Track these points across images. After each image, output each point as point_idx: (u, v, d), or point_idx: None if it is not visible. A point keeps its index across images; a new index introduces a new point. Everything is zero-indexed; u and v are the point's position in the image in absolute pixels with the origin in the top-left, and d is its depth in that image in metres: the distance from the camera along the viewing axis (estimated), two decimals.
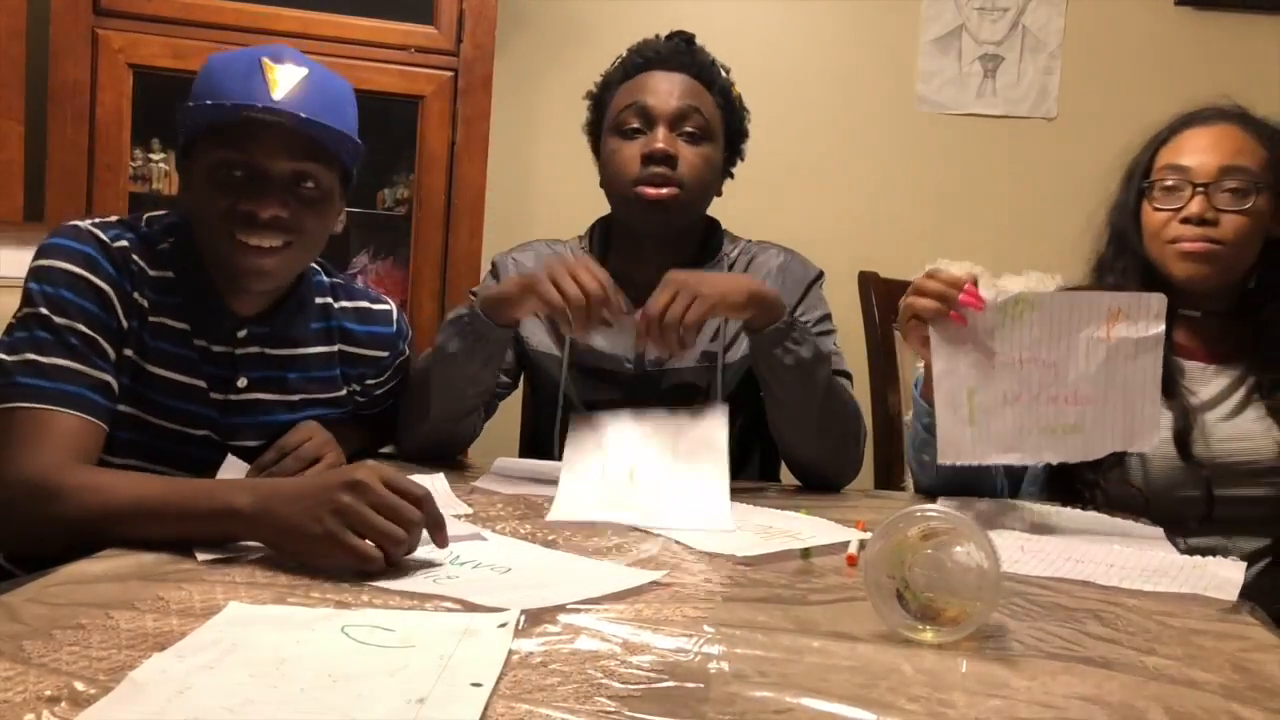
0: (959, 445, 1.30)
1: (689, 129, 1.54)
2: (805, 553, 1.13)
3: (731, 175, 1.66)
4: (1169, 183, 1.48)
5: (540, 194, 2.73)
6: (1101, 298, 1.31)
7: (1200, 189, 1.45)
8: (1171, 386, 1.48)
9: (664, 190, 1.52)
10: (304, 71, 1.25)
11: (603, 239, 1.65)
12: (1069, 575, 1.06)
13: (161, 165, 2.30)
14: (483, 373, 1.44)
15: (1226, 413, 1.49)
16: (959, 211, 2.74)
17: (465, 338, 1.41)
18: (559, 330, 1.42)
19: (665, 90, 1.55)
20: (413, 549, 0.98)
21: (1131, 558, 1.16)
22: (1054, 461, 1.34)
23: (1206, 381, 1.51)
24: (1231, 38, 2.66)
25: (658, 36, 1.63)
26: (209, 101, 1.22)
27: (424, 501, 0.98)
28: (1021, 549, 1.16)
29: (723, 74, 1.62)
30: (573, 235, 1.69)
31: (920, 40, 2.73)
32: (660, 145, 1.52)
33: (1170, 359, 1.50)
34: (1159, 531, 1.32)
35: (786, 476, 1.65)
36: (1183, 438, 1.45)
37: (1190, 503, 1.44)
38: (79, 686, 0.67)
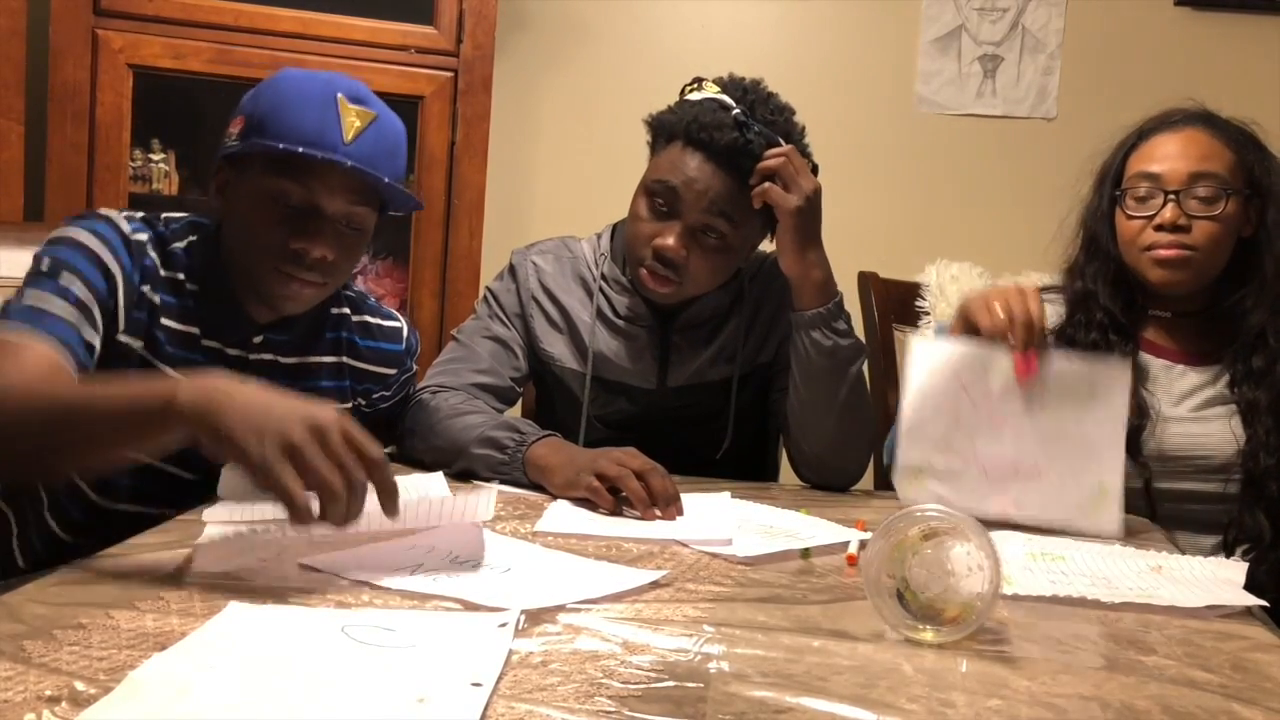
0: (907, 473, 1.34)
1: (711, 238, 1.47)
2: (805, 552, 1.13)
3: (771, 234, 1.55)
4: (1141, 191, 1.51)
5: (540, 194, 2.73)
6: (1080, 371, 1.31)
7: (1172, 196, 1.47)
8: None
9: (663, 289, 1.49)
10: (373, 115, 1.28)
11: (622, 244, 1.60)
12: (1072, 594, 1.03)
13: (161, 165, 2.30)
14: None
15: (1189, 410, 1.50)
16: (959, 211, 2.74)
17: (493, 469, 1.38)
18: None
19: (699, 188, 1.44)
20: (354, 516, 0.90)
21: (1132, 563, 1.15)
22: (996, 516, 1.29)
23: (1174, 380, 1.52)
24: (1231, 38, 2.66)
25: (728, 106, 1.45)
26: (283, 125, 1.23)
27: (378, 466, 0.91)
28: (1028, 570, 1.12)
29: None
30: (574, 233, 1.68)
31: (920, 40, 2.73)
32: (671, 246, 1.45)
33: (1138, 357, 1.51)
34: (1159, 534, 1.32)
35: (786, 476, 1.65)
36: (1132, 435, 1.46)
37: (1133, 497, 1.45)
38: (79, 686, 0.67)
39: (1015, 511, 1.29)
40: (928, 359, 1.33)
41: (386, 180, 1.26)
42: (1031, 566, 1.11)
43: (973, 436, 1.31)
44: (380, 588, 0.91)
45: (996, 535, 1.11)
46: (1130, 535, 1.28)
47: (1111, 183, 1.57)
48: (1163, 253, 1.48)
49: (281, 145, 1.22)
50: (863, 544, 1.09)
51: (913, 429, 1.33)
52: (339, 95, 1.26)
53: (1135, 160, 1.54)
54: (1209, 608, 0.98)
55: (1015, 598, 0.99)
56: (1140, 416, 1.46)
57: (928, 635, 0.85)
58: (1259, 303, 1.49)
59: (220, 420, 0.88)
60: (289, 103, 1.25)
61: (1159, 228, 1.48)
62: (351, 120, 1.26)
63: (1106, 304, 1.54)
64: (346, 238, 1.27)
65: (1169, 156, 1.50)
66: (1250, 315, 1.49)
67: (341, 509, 0.88)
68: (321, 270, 1.25)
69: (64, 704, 0.64)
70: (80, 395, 1.01)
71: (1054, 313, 1.59)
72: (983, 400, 1.31)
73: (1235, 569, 1.12)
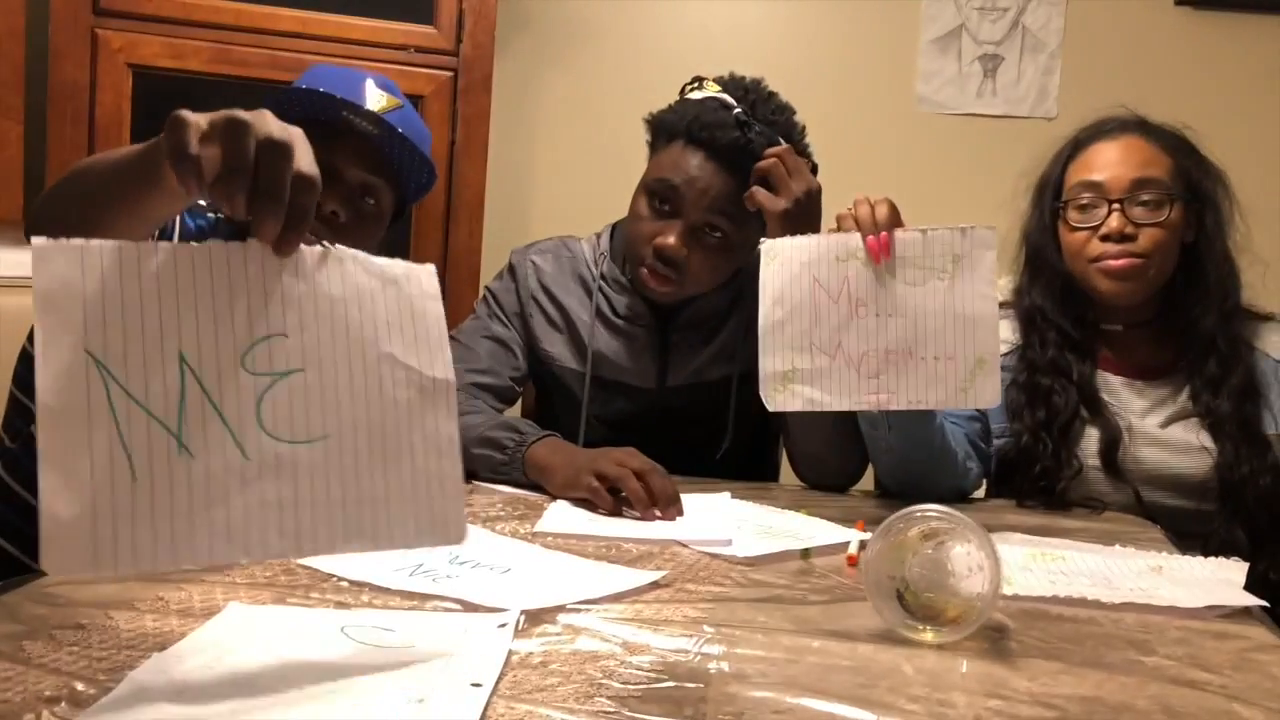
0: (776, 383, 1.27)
1: (712, 236, 1.47)
2: (805, 553, 1.12)
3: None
4: (1084, 200, 1.49)
5: (540, 194, 2.73)
6: (941, 241, 1.25)
7: (1116, 204, 1.46)
8: (1096, 404, 1.49)
9: (664, 288, 1.49)
10: (399, 103, 1.35)
11: (621, 244, 1.60)
12: (1072, 594, 1.02)
13: None
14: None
15: (1156, 426, 1.49)
16: (959, 211, 2.73)
17: (492, 469, 1.37)
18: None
19: (700, 187, 1.45)
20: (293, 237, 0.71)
21: (1132, 563, 1.15)
22: (880, 408, 1.27)
23: (1133, 397, 1.51)
24: (1231, 38, 2.65)
25: (730, 105, 1.45)
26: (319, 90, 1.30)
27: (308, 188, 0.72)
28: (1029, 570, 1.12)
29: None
30: (573, 233, 1.68)
31: (920, 40, 2.73)
32: (672, 244, 1.45)
33: (1095, 376, 1.51)
34: (1158, 533, 1.32)
35: (786, 476, 1.65)
36: (1109, 454, 1.45)
37: (1128, 511, 1.45)
38: (79, 687, 0.67)
39: (891, 400, 1.25)
40: (777, 258, 1.27)
41: (400, 131, 1.31)
42: (1031, 566, 1.11)
43: (835, 331, 1.25)
44: (380, 588, 0.91)
45: (996, 536, 1.12)
46: (1130, 536, 1.28)
47: (1051, 194, 1.55)
48: (1112, 263, 1.46)
49: (305, 86, 1.29)
50: (863, 544, 1.08)
51: (770, 333, 1.26)
52: (368, 80, 1.33)
53: (1074, 170, 1.52)
54: (1209, 608, 0.98)
55: (1015, 598, 0.99)
56: (1114, 431, 1.46)
57: (928, 635, 0.85)
58: (1206, 309, 1.48)
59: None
60: (319, 82, 1.32)
61: (1105, 237, 1.46)
62: (378, 99, 1.32)
63: (1056, 320, 1.52)
64: (362, 208, 1.31)
65: (1109, 164, 1.48)
66: (1199, 323, 1.48)
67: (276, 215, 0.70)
68: (332, 229, 1.26)
69: (63, 704, 0.64)
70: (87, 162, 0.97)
71: (1008, 328, 1.57)
72: (840, 291, 1.25)
73: (1236, 569, 1.12)
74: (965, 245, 1.24)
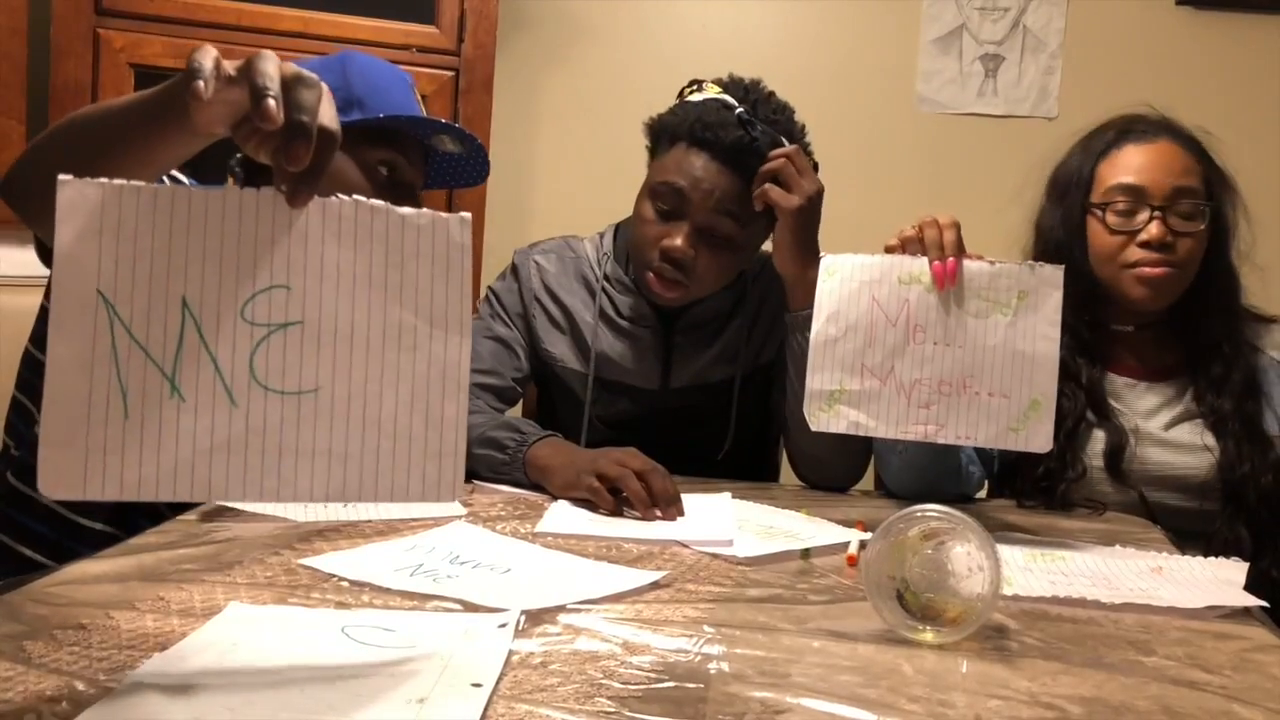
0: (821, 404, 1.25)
1: (719, 237, 1.46)
2: (805, 553, 1.13)
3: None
4: (1121, 205, 1.47)
5: (540, 194, 2.73)
6: (1009, 272, 1.22)
7: (1157, 212, 1.45)
8: (1103, 408, 1.48)
9: (671, 293, 1.48)
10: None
11: (625, 245, 1.60)
12: (1072, 594, 1.02)
13: None
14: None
15: (1161, 427, 1.49)
16: (959, 211, 2.72)
17: (493, 469, 1.37)
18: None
19: (706, 188, 1.44)
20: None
21: (1132, 564, 1.15)
22: (927, 440, 1.24)
23: (1140, 397, 1.51)
24: (1231, 38, 2.65)
25: (731, 105, 1.45)
26: (386, 102, 1.34)
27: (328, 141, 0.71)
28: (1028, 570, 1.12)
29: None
30: (575, 233, 1.68)
31: (920, 40, 2.73)
32: (679, 246, 1.44)
33: (1104, 376, 1.50)
34: (1159, 534, 1.32)
35: (786, 476, 1.65)
36: (1114, 456, 1.45)
37: (1132, 510, 1.45)
38: (79, 687, 0.67)
39: (939, 433, 1.22)
40: (837, 274, 1.25)
41: (478, 141, 1.40)
42: (1031, 567, 1.11)
43: (890, 355, 1.23)
44: (380, 588, 0.91)
45: (996, 536, 1.12)
46: (1130, 536, 1.28)
47: (1082, 193, 1.52)
48: (1149, 271, 1.45)
49: (405, 116, 1.34)
50: (863, 544, 1.08)
51: (821, 351, 1.24)
52: (409, 80, 1.41)
53: (1108, 170, 1.50)
54: (1209, 608, 0.98)
55: (1015, 598, 0.99)
56: (1119, 436, 1.46)
57: (928, 636, 0.85)
58: (1214, 312, 1.48)
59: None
60: (383, 83, 1.37)
61: (1145, 244, 1.44)
62: (420, 99, 1.42)
63: (1070, 321, 1.50)
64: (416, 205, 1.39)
65: (1148, 168, 1.46)
66: (1206, 325, 1.48)
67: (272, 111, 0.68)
68: None
69: (64, 704, 0.64)
70: (95, 107, 0.95)
71: None
72: (899, 314, 1.23)
73: (1236, 569, 1.12)
74: (1032, 282, 1.21)
